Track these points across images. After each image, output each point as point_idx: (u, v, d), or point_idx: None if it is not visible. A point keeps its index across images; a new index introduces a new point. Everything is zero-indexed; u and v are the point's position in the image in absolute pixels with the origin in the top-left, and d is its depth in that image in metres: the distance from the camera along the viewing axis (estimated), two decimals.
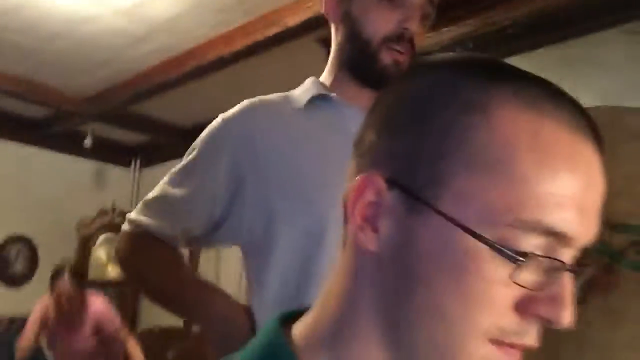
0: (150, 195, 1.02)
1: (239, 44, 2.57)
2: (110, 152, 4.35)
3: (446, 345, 0.40)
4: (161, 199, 1.01)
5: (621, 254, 0.82)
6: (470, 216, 0.39)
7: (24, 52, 2.93)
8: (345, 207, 0.44)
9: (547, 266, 0.39)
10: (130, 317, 3.96)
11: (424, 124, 0.42)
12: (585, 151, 0.40)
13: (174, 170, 1.03)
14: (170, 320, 3.24)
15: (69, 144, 4.06)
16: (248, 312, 0.93)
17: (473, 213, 0.39)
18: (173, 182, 1.01)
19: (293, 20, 2.32)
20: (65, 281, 2.90)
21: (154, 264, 0.99)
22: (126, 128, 3.95)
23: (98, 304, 3.09)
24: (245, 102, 1.03)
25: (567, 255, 0.40)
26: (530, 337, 0.40)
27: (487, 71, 0.42)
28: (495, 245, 0.38)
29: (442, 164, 0.40)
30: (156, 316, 3.62)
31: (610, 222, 0.85)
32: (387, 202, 0.42)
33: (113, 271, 4.08)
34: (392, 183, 0.42)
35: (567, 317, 0.39)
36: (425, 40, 2.82)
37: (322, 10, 1.07)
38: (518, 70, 0.42)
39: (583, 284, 0.82)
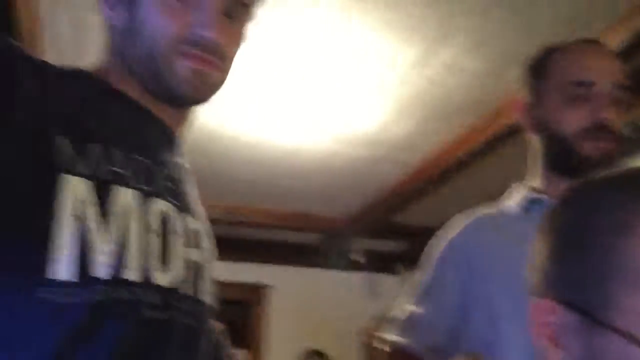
0: (398, 315, 1.18)
1: (470, 146, 2.69)
2: (378, 262, 4.70)
3: None
4: (406, 319, 1.15)
5: None
6: None
7: (294, 191, 3.50)
8: (535, 332, 0.50)
9: None
10: None
11: (583, 251, 0.46)
12: None
13: (412, 288, 1.18)
14: None
15: (342, 260, 4.52)
16: None
17: None
18: (413, 302, 1.15)
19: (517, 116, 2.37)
20: None
21: None
22: (387, 239, 4.27)
23: None
24: (464, 222, 1.14)
25: None
26: None
27: (634, 191, 0.46)
28: None
29: (608, 286, 0.44)
30: None
31: None
32: (567, 323, 0.47)
33: None
34: (568, 306, 0.47)
35: None
36: None
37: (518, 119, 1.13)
38: None
39: None
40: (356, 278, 4.66)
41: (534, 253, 0.52)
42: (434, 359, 1.13)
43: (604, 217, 0.46)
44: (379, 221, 3.84)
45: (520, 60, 1.15)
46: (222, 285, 0.78)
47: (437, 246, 1.16)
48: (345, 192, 3.53)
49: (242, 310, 4.34)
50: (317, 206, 3.77)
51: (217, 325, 0.78)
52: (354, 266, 4.36)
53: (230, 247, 3.57)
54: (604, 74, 1.01)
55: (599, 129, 0.98)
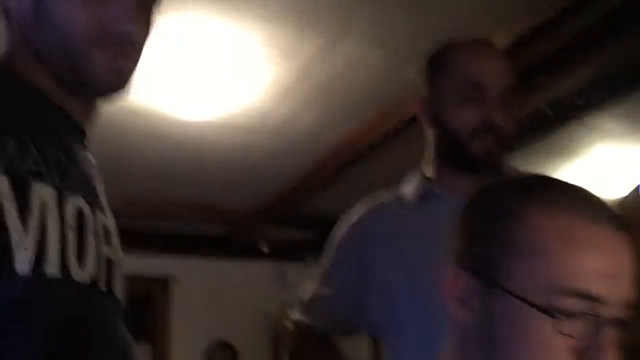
0: (304, 296, 1.23)
1: (371, 138, 2.79)
2: (287, 252, 4.75)
3: None
4: (312, 300, 1.21)
5: None
6: (524, 290, 0.55)
7: (202, 182, 3.46)
8: (445, 295, 0.61)
9: (591, 321, 0.53)
10: None
11: (486, 232, 0.60)
12: (603, 233, 0.55)
13: (317, 271, 1.23)
14: None
15: (250, 251, 4.51)
16: None
17: (526, 288, 0.55)
18: (319, 284, 1.21)
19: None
20: None
21: (316, 355, 1.19)
22: (295, 228, 4.33)
23: None
24: (364, 208, 1.20)
25: (606, 312, 0.53)
26: None
27: (529, 186, 0.61)
28: (543, 307, 0.53)
29: (501, 256, 0.57)
30: None
31: None
32: (472, 287, 0.59)
33: None
34: (474, 274, 0.59)
35: None
36: (559, 86, 2.74)
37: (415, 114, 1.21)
38: (544, 180, 0.62)
39: None
40: (265, 268, 4.68)
41: (453, 236, 0.65)
42: (335, 336, 1.20)
43: (503, 207, 0.60)
44: (287, 211, 3.88)
45: (420, 55, 1.21)
46: (126, 279, 0.79)
47: (339, 231, 1.22)
48: (251, 183, 3.53)
49: (146, 304, 4.22)
50: (223, 197, 3.74)
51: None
52: (263, 256, 4.37)
53: (133, 239, 3.47)
54: (495, 76, 1.09)
55: (487, 130, 1.06)
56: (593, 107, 2.54)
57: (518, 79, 1.16)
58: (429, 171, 1.18)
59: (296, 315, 1.24)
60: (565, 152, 2.87)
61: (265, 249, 4.04)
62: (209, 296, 4.41)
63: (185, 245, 4.40)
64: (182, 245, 4.39)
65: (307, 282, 1.26)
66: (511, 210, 0.58)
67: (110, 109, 0.84)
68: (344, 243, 1.20)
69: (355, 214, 1.22)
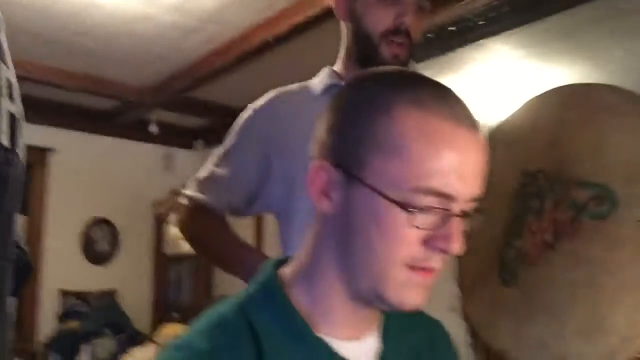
0: (201, 174, 1.25)
1: (281, 28, 2.73)
2: (175, 137, 4.65)
3: (379, 272, 0.59)
4: (208, 177, 1.23)
5: (584, 207, 0.95)
6: (383, 185, 0.58)
7: (90, 51, 3.21)
8: (309, 185, 0.63)
9: (441, 214, 0.58)
10: (204, 286, 4.30)
11: (350, 125, 0.61)
12: (462, 135, 0.57)
13: (217, 152, 1.25)
14: (241, 285, 3.51)
15: (137, 131, 4.37)
16: None
17: (385, 183, 0.58)
18: (217, 164, 1.23)
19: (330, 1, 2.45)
20: None
21: (206, 230, 1.22)
22: (187, 113, 4.22)
23: None
24: (270, 94, 1.22)
25: (456, 207, 0.58)
26: (436, 262, 0.59)
27: (393, 83, 0.61)
28: (399, 202, 0.57)
29: (363, 151, 0.59)
30: (229, 284, 3.91)
31: (576, 180, 0.97)
32: (334, 179, 0.61)
33: (187, 246, 4.40)
34: (336, 166, 0.61)
35: (455, 248, 0.58)
36: (464, 7, 2.86)
37: (332, 6, 1.21)
38: (418, 79, 0.62)
39: (554, 232, 0.97)
40: (151, 150, 4.58)
41: (318, 126, 0.65)
42: (230, 215, 1.23)
43: (370, 99, 0.60)
44: (180, 94, 3.75)
45: None
46: None
47: (244, 114, 1.24)
48: (147, 60, 3.34)
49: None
50: (115, 70, 3.52)
51: None
52: (150, 137, 4.25)
53: None
54: None
55: (398, 33, 1.10)
56: (493, 30, 2.66)
57: None
58: (339, 67, 1.21)
59: (192, 190, 1.25)
60: (459, 70, 3.02)
61: (154, 130, 3.92)
62: (89, 172, 4.26)
63: (67, 117, 4.15)
64: (64, 116, 4.13)
65: (206, 163, 1.27)
66: (378, 105, 0.59)
67: None
68: (248, 125, 1.22)
69: (261, 100, 1.24)
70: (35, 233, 3.96)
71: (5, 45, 0.71)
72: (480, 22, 2.64)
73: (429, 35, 2.60)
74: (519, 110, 1.18)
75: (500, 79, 3.04)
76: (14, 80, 0.70)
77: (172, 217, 4.35)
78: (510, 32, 2.65)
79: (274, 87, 1.27)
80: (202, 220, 1.23)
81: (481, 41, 2.77)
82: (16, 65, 0.76)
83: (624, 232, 0.89)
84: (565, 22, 2.58)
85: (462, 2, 2.60)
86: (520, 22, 2.61)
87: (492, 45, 2.79)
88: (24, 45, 3.07)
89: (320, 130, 0.64)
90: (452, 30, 2.74)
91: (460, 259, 1.05)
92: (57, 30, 2.93)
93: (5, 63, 0.68)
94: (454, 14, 2.65)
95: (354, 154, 0.59)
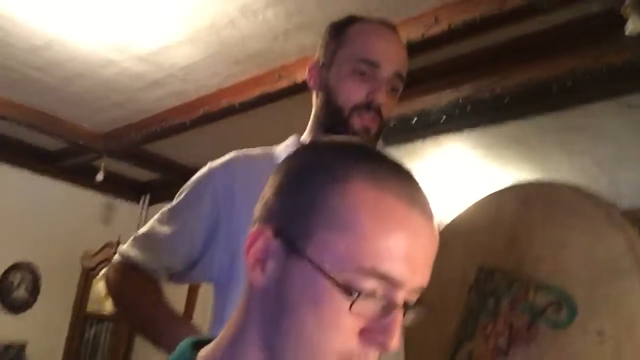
0: (141, 230, 1.15)
1: (249, 95, 2.72)
2: (121, 188, 4.48)
3: None
4: (149, 235, 1.13)
5: (541, 312, 0.91)
6: (326, 262, 0.52)
7: (47, 88, 3.10)
8: (246, 253, 0.56)
9: (382, 303, 0.52)
10: (124, 351, 3.99)
11: (300, 191, 0.55)
12: (415, 219, 0.53)
13: (164, 209, 1.15)
14: (162, 358, 3.27)
15: (81, 177, 4.19)
16: None
17: (328, 260, 0.52)
18: (161, 221, 1.13)
19: (301, 76, 2.47)
20: None
21: (134, 292, 1.10)
22: (138, 166, 4.08)
23: None
24: (231, 154, 1.16)
25: (400, 296, 0.52)
26: (370, 358, 0.52)
27: (352, 154, 0.57)
28: (341, 284, 0.51)
29: (310, 221, 0.53)
30: (148, 353, 3.65)
31: (533, 283, 0.94)
32: (273, 248, 0.55)
33: (111, 306, 4.14)
34: (277, 233, 0.55)
35: (393, 344, 0.51)
36: (428, 100, 2.94)
37: (305, 78, 1.19)
38: (378, 155, 0.57)
39: (508, 337, 0.91)
40: (92, 197, 4.39)
41: (267, 186, 0.60)
42: (166, 279, 1.13)
43: (325, 167, 0.55)
44: (133, 145, 3.64)
45: (321, 23, 1.20)
46: None
47: (200, 172, 1.16)
48: (104, 105, 3.24)
49: None
50: (69, 111, 3.40)
51: None
52: (93, 185, 4.07)
53: None
54: (391, 60, 1.11)
55: (368, 107, 1.08)
56: (454, 127, 2.73)
57: (410, 75, 1.20)
58: (307, 136, 1.18)
59: (126, 247, 1.15)
60: (417, 161, 3.06)
61: (100, 178, 3.76)
62: (21, 212, 4.02)
63: (7, 152, 3.95)
64: (8, 152, 3.93)
65: (149, 220, 1.18)
66: (333, 174, 0.54)
67: None
68: (203, 182, 1.14)
69: (220, 159, 1.17)
70: None
71: None
72: (442, 118, 2.71)
73: (391, 123, 2.64)
74: (478, 204, 1.16)
75: (457, 176, 3.09)
76: None
77: (101, 272, 4.11)
78: (470, 130, 2.73)
79: (234, 150, 1.20)
80: (131, 281, 1.12)
81: (441, 137, 2.83)
82: None
83: (583, 346, 0.84)
84: (519, 129, 2.68)
85: (426, 96, 2.68)
86: (479, 123, 2.70)
87: (451, 142, 2.85)
88: None
89: (267, 191, 0.59)
90: (413, 122, 2.81)
91: (407, 358, 0.97)
92: (13, 60, 2.82)
93: None
94: (417, 107, 2.72)
95: (299, 222, 0.54)
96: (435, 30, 2.11)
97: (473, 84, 2.66)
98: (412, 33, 2.12)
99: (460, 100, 2.69)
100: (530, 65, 2.42)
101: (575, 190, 1.00)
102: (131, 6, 2.29)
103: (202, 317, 3.31)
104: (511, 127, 2.65)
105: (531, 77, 2.49)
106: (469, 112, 2.66)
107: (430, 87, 2.67)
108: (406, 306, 0.53)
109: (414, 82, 2.45)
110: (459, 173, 3.03)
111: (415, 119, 2.81)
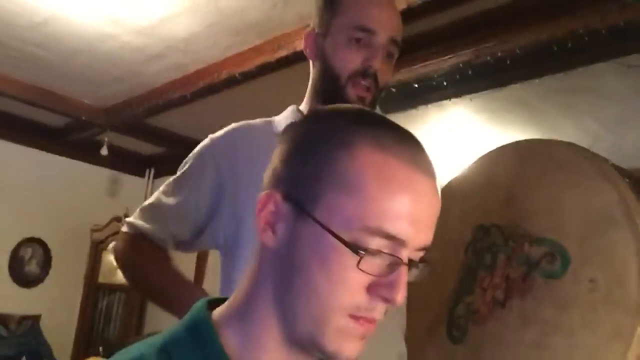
0: (147, 202, 1.17)
1: (249, 65, 2.71)
2: (126, 162, 4.52)
3: (319, 316, 0.55)
4: (155, 206, 1.15)
5: (536, 264, 0.93)
6: (334, 222, 0.55)
7: (47, 65, 3.10)
8: (256, 217, 0.59)
9: (388, 261, 0.55)
10: (136, 320, 4.08)
11: (307, 157, 0.58)
12: (419, 180, 0.56)
13: (168, 180, 1.18)
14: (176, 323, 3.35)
15: (86, 152, 4.22)
16: None
17: (336, 221, 0.55)
18: (166, 192, 1.16)
19: (301, 45, 2.46)
20: None
21: (144, 261, 1.13)
22: (141, 139, 4.11)
23: None
24: (232, 125, 1.18)
25: (405, 254, 0.55)
26: (378, 313, 0.56)
27: (357, 120, 0.59)
28: (348, 243, 0.54)
29: (318, 185, 0.56)
30: (161, 320, 3.73)
31: (530, 236, 0.96)
32: (282, 212, 0.58)
33: (122, 276, 4.21)
34: (286, 197, 0.58)
35: (400, 298, 0.54)
36: (429, 66, 2.93)
37: (302, 46, 1.20)
38: (381, 120, 0.60)
39: (505, 289, 0.95)
40: (98, 172, 4.43)
41: (274, 154, 0.62)
42: (174, 248, 1.16)
43: (331, 134, 0.58)
44: (136, 119, 3.65)
45: None
46: None
47: (201, 144, 1.18)
48: (105, 80, 3.25)
49: None
50: (70, 87, 3.41)
51: None
52: (98, 160, 4.11)
53: None
54: (387, 26, 1.11)
55: (365, 74, 1.09)
56: (456, 92, 2.73)
57: (405, 42, 1.20)
58: (305, 107, 1.19)
59: (136, 218, 1.17)
60: (420, 127, 3.07)
61: (105, 153, 3.79)
62: (29, 189, 4.07)
63: (12, 129, 3.98)
64: (9, 128, 3.96)
65: (155, 191, 1.20)
66: (339, 140, 0.57)
67: None
68: (205, 153, 1.16)
69: (221, 131, 1.19)
70: None
71: None
72: (444, 83, 2.71)
73: (392, 89, 2.64)
74: (475, 164, 1.18)
75: (460, 140, 3.10)
76: None
77: (111, 245, 4.16)
78: (472, 95, 2.73)
79: (235, 122, 1.22)
80: (141, 251, 1.14)
81: (443, 102, 2.83)
82: None
83: (575, 294, 0.87)
84: (522, 92, 2.67)
85: (427, 62, 2.67)
86: (482, 88, 2.69)
87: (454, 107, 2.85)
88: None
89: (275, 159, 0.62)
90: (415, 87, 2.80)
91: (409, 313, 1.01)
92: (14, 38, 2.82)
93: None
94: (418, 73, 2.71)
95: (307, 187, 0.57)
96: None
97: (474, 48, 2.64)
98: None
99: (461, 65, 2.67)
100: (531, 28, 2.40)
101: (568, 147, 1.01)
102: None
103: (212, 284, 3.38)
104: (513, 91, 2.65)
105: (532, 40, 2.47)
106: (470, 76, 2.65)
107: (431, 52, 2.65)
108: (411, 263, 0.56)
109: (415, 48, 2.46)
110: (462, 137, 3.04)
111: (417, 84, 2.80)
